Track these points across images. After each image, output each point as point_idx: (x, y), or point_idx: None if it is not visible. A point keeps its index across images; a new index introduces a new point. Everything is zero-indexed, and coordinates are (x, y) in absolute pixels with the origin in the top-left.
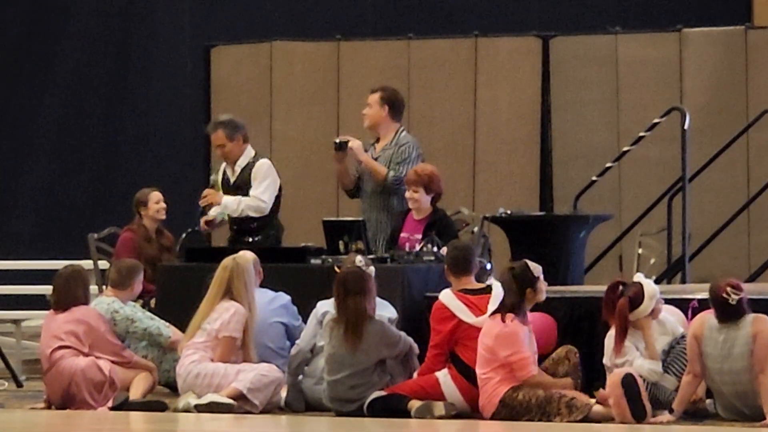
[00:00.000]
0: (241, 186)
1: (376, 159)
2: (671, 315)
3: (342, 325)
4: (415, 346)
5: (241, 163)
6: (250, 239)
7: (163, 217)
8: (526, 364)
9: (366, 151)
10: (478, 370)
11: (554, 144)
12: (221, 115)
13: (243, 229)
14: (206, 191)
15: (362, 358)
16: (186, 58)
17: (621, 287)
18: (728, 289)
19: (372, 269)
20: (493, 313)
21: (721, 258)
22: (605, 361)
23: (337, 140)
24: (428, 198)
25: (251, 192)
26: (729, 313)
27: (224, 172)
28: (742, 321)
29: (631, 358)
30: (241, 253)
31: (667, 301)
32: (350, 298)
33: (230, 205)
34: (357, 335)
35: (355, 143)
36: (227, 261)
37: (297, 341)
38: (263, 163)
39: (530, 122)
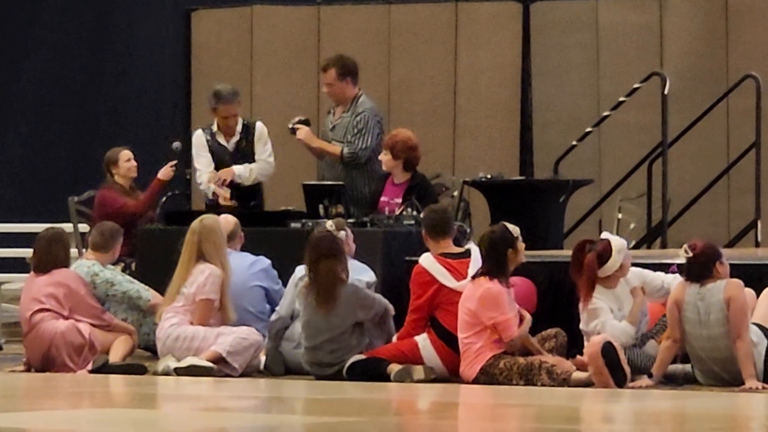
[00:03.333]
0: (242, 150)
1: (334, 126)
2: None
3: (314, 290)
4: (391, 307)
5: (238, 128)
6: (252, 203)
7: (134, 174)
8: (509, 325)
9: (329, 113)
10: (459, 335)
11: (534, 109)
12: (221, 85)
13: (243, 194)
14: (220, 174)
15: (338, 322)
16: (166, 21)
17: (588, 246)
18: (685, 246)
19: (343, 233)
20: (474, 277)
21: (701, 223)
22: (581, 326)
23: (290, 126)
24: (397, 163)
25: (259, 156)
26: (690, 271)
27: (214, 142)
28: (716, 287)
29: (604, 319)
30: (221, 216)
31: (647, 266)
32: (321, 263)
33: (243, 174)
34: (330, 299)
35: (301, 133)
36: (194, 224)
37: (277, 307)
38: (263, 126)
39: (510, 87)
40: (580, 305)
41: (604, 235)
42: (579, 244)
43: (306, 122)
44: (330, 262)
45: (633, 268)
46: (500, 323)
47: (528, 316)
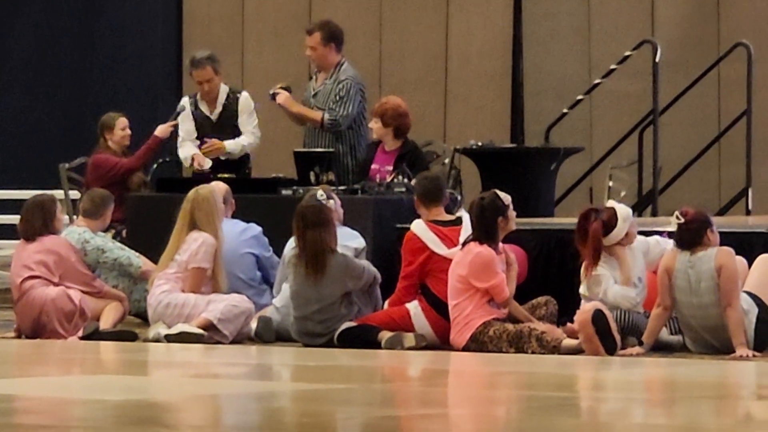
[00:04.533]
0: (225, 122)
1: (316, 93)
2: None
3: (303, 260)
4: (378, 275)
5: (221, 99)
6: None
7: (128, 143)
8: (503, 288)
9: (310, 78)
10: (450, 302)
11: (526, 76)
12: (199, 51)
13: (233, 162)
14: (211, 142)
15: (327, 292)
16: None
17: (594, 214)
18: (677, 213)
19: (332, 202)
20: (464, 243)
21: (692, 191)
22: (581, 290)
23: (270, 92)
24: (387, 130)
25: (245, 128)
26: (681, 238)
27: (198, 112)
28: (707, 254)
29: (605, 287)
30: (213, 184)
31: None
32: (309, 232)
33: (234, 150)
34: (319, 269)
35: (281, 98)
36: (190, 193)
37: (274, 300)
38: (248, 96)
39: (502, 54)
40: (582, 271)
41: (609, 203)
42: (584, 212)
43: (287, 89)
44: (317, 231)
45: (638, 237)
46: (494, 286)
47: (515, 262)
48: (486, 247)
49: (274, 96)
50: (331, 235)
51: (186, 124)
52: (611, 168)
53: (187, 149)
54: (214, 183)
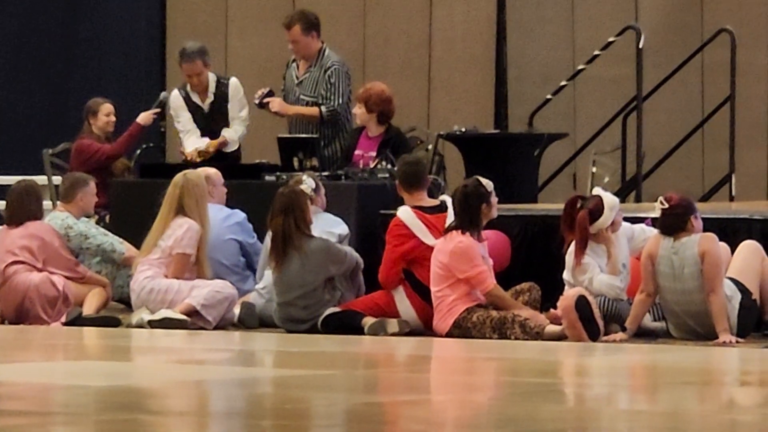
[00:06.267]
0: (217, 110)
1: (301, 81)
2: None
3: (279, 244)
4: (361, 260)
5: (212, 88)
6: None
7: (112, 129)
8: (484, 278)
9: (288, 67)
10: (432, 288)
11: (509, 62)
12: (189, 43)
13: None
14: (209, 148)
15: (310, 278)
16: None
17: (580, 202)
18: (661, 198)
19: (306, 186)
20: (447, 231)
21: (675, 177)
22: (565, 276)
23: (256, 101)
24: (371, 116)
25: (235, 115)
26: (665, 224)
27: (189, 102)
28: (690, 240)
29: (592, 276)
30: (201, 169)
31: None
32: (275, 220)
33: (233, 139)
34: (281, 256)
35: (275, 105)
36: (177, 178)
37: (257, 286)
38: (237, 83)
39: (486, 40)
40: (568, 259)
41: (596, 191)
42: (570, 199)
43: (270, 93)
44: (281, 218)
45: (623, 223)
46: (473, 277)
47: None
48: (467, 237)
49: (262, 105)
50: (300, 220)
51: (183, 114)
52: (595, 154)
53: (193, 142)
54: (202, 169)
